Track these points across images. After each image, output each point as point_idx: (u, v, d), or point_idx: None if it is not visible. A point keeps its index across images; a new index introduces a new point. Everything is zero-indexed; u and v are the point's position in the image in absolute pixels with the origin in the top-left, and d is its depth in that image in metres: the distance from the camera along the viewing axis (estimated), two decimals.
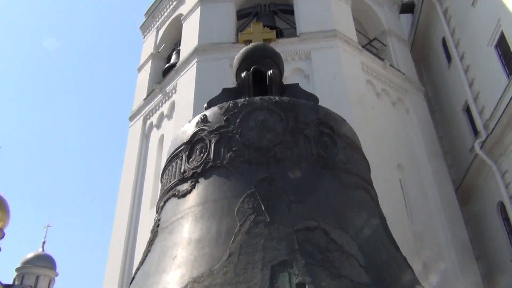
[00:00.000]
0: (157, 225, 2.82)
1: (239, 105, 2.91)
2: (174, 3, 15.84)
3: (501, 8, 11.72)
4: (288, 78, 10.63)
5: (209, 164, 2.74)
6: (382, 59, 14.09)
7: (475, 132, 13.14)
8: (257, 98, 2.97)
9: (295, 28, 13.47)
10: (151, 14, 16.86)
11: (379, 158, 10.60)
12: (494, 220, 11.89)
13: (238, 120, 2.83)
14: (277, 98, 2.99)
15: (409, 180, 12.08)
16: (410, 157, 12.57)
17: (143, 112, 14.31)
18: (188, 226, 2.53)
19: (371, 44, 15.29)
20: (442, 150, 14.06)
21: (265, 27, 4.25)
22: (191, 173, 2.79)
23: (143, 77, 15.48)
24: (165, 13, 16.18)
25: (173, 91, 13.32)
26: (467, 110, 13.89)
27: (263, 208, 2.44)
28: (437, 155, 13.16)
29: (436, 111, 16.02)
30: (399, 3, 17.24)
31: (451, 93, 15.11)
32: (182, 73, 13.14)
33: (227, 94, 3.56)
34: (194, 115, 3.28)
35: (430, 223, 11.39)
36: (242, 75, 3.49)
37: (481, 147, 11.84)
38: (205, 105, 3.40)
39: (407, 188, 11.91)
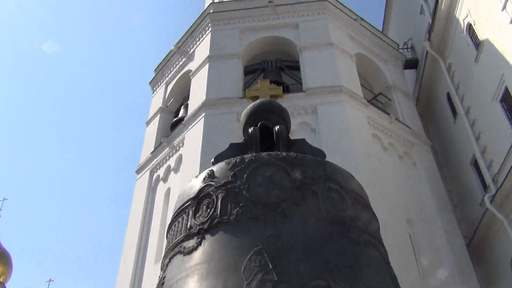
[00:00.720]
0: (161, 283, 2.75)
1: (246, 160, 2.91)
2: (183, 59, 16.30)
3: (504, 64, 11.93)
4: (295, 132, 10.72)
5: (216, 220, 2.71)
6: (388, 113, 14.22)
7: (484, 186, 13.00)
8: (264, 154, 2.98)
9: (301, 84, 13.73)
10: (161, 70, 17.32)
11: (388, 213, 10.47)
12: (507, 277, 11.52)
13: (245, 175, 2.81)
14: (284, 153, 2.99)
15: (419, 235, 11.85)
16: (419, 212, 12.39)
17: (150, 165, 14.37)
18: (194, 285, 2.47)
19: (377, 98, 15.50)
20: (452, 204, 13.88)
21: (272, 84, 4.34)
22: (197, 229, 2.75)
23: (151, 131, 15.68)
24: (174, 69, 16.61)
25: (181, 144, 13.43)
26: (475, 164, 13.83)
27: (270, 267, 2.38)
28: (447, 210, 12.97)
29: (443, 164, 15.96)
30: (403, 59, 17.62)
31: (458, 147, 15.11)
32: (189, 127, 13.31)
33: (234, 149, 3.57)
34: (201, 168, 3.28)
35: (443, 279, 11.04)
36: (249, 130, 3.51)
37: (491, 202, 11.68)
38: (212, 160, 3.41)
39: (417, 243, 11.65)
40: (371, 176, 11.26)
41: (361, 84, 14.51)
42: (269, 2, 15.65)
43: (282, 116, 3.70)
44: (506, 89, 12.06)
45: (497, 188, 11.68)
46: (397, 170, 13.09)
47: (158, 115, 15.93)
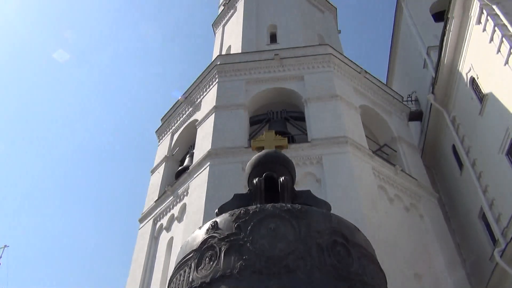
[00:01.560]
0: None
1: (250, 212, 2.88)
2: (190, 109, 16.53)
3: (509, 117, 11.99)
4: (300, 182, 10.67)
5: (219, 273, 2.65)
6: (394, 165, 14.18)
7: (493, 240, 12.73)
8: (269, 205, 2.95)
9: (306, 134, 13.81)
10: (167, 119, 17.53)
11: (395, 266, 10.22)
12: None
13: (249, 227, 2.77)
14: (289, 205, 2.96)
15: None
16: (427, 266, 12.08)
17: (153, 214, 14.26)
18: None
19: (382, 150, 15.51)
20: (461, 258, 13.54)
21: (277, 134, 4.36)
22: (199, 283, 2.68)
23: (156, 179, 15.67)
24: (181, 119, 16.82)
25: (185, 193, 13.37)
26: (483, 217, 13.61)
27: None
28: (456, 264, 12.63)
29: (451, 217, 15.72)
30: (407, 111, 17.77)
31: (465, 199, 14.94)
32: (194, 176, 13.29)
33: (238, 200, 3.55)
34: (205, 218, 3.25)
35: None
36: (254, 181, 3.50)
37: (501, 256, 11.39)
38: (216, 210, 3.38)
39: None
40: (378, 229, 11.08)
41: (366, 136, 14.57)
42: (275, 55, 16.03)
43: (287, 167, 3.70)
44: None
45: (507, 242, 11.42)
46: (404, 223, 12.88)
47: (164, 164, 15.97)
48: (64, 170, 52.13)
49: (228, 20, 22.72)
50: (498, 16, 12.33)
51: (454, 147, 15.77)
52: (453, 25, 14.54)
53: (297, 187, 3.75)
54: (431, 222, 13.37)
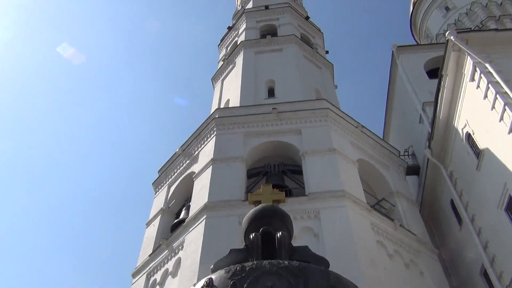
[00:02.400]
0: None
1: (246, 269, 2.79)
2: (187, 161, 16.52)
3: (506, 173, 11.99)
4: (298, 237, 10.49)
5: None
6: (392, 220, 14.02)
7: None
8: (266, 262, 2.86)
9: (303, 188, 13.74)
10: (165, 171, 17.48)
11: None
12: None
13: (245, 285, 2.68)
14: (286, 262, 2.88)
15: None
16: None
17: (147, 268, 13.89)
18: None
19: (380, 204, 15.39)
20: None
21: (275, 188, 4.33)
22: None
23: (151, 232, 15.40)
24: (178, 171, 16.77)
25: (180, 247, 13.09)
26: (485, 274, 13.31)
27: None
28: None
29: (452, 274, 15.38)
30: (404, 166, 17.79)
31: (466, 256, 14.66)
32: (190, 229, 13.07)
33: (234, 255, 3.45)
34: (200, 273, 3.16)
35: None
36: (251, 236, 3.43)
37: None
38: (212, 267, 3.29)
39: None
40: (377, 285, 10.78)
41: (363, 190, 14.50)
42: (273, 108, 16.24)
43: (284, 222, 3.64)
44: (510, 198, 11.99)
45: None
46: (403, 279, 12.56)
47: (159, 216, 15.75)
48: (54, 221, 51.40)
49: (227, 75, 23.22)
50: (491, 73, 12.62)
51: (452, 202, 15.68)
52: (447, 82, 14.86)
53: (295, 242, 3.67)
54: (432, 279, 13.05)
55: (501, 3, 27.71)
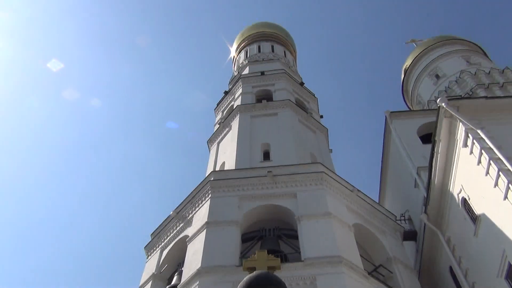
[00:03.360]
0: None
1: None
2: (181, 225, 16.26)
3: (504, 239, 11.82)
4: None
5: None
6: (391, 287, 13.62)
7: None
8: None
9: (299, 253, 13.44)
10: (157, 234, 17.15)
11: None
12: None
13: None
14: None
15: None
16: None
17: None
18: None
19: (377, 270, 15.01)
20: None
21: (270, 254, 4.22)
22: None
23: None
24: (171, 234, 16.46)
25: None
26: None
27: None
28: None
29: None
30: (401, 231, 17.57)
31: None
32: None
33: None
34: None
35: None
36: None
37: None
38: None
39: None
40: None
41: (360, 255, 14.20)
42: (268, 172, 16.24)
43: None
44: (510, 266, 11.74)
45: None
46: None
47: (150, 282, 15.25)
48: (44, 284, 49.58)
49: (223, 138, 23.44)
50: (484, 140, 12.77)
51: (451, 268, 15.35)
52: (440, 147, 15.01)
53: None
54: None
55: (489, 72, 28.64)
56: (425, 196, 16.59)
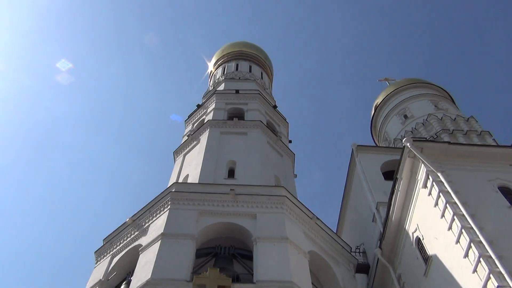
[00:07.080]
0: None
1: None
2: (136, 233, 15.91)
3: (452, 282, 12.07)
4: None
5: None
6: None
7: None
8: None
9: (252, 274, 13.32)
10: (110, 240, 16.71)
11: None
12: None
13: None
14: None
15: None
16: None
17: None
18: None
19: None
20: None
21: (222, 273, 4.18)
22: None
23: None
24: (125, 242, 16.06)
25: None
26: None
27: None
28: None
29: None
30: (355, 263, 17.70)
31: None
32: None
33: None
34: None
35: None
36: None
37: None
38: None
39: None
40: None
41: (312, 283, 14.21)
42: (230, 189, 16.15)
43: None
44: None
45: None
46: None
47: None
48: None
49: (190, 150, 23.27)
50: (443, 183, 13.16)
51: None
52: (401, 186, 15.34)
53: None
54: None
55: (455, 118, 29.66)
56: (381, 231, 16.84)
